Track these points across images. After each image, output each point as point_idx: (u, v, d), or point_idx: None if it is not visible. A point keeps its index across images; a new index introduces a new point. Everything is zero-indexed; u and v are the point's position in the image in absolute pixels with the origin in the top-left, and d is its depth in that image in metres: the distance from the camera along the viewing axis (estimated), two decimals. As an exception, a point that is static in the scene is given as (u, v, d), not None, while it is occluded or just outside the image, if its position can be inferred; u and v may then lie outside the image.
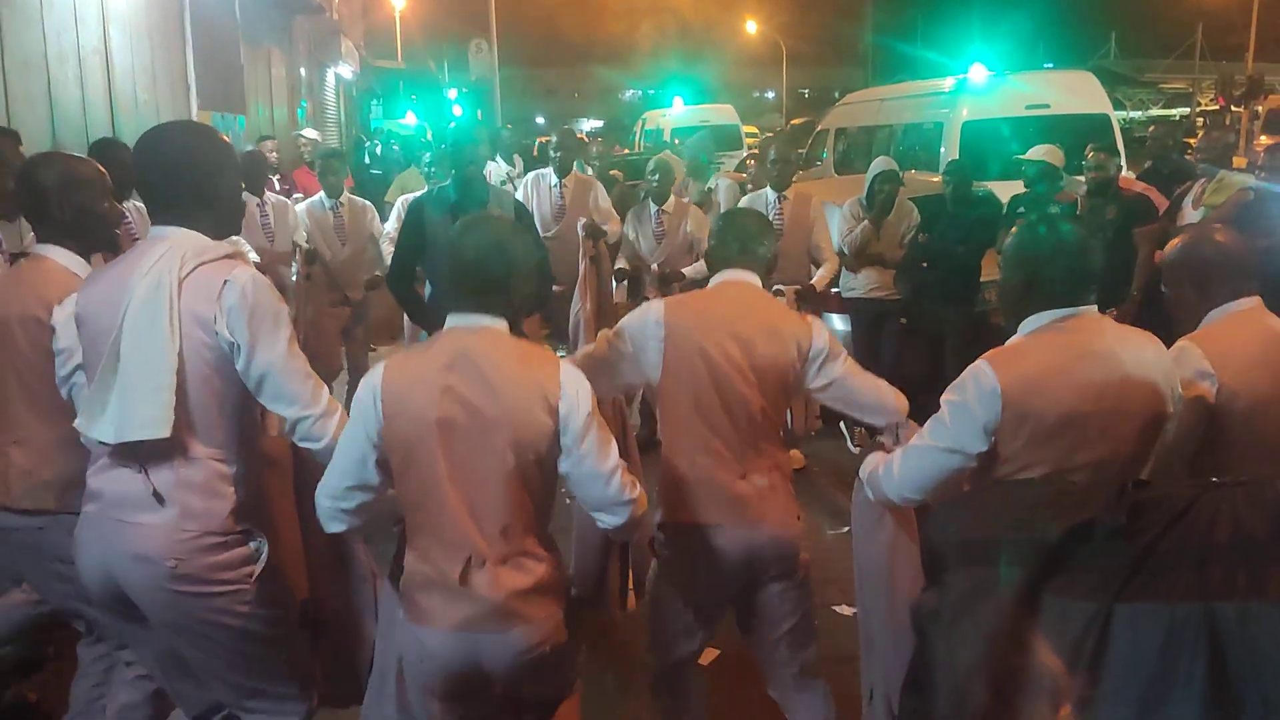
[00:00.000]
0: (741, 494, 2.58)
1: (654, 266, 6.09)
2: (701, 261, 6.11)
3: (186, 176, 2.24)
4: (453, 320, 2.23)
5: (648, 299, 6.10)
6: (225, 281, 2.17)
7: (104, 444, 2.20)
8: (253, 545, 2.27)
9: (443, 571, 2.15)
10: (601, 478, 2.20)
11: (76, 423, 2.27)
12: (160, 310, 2.13)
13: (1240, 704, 1.79)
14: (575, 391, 2.17)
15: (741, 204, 6.22)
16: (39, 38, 6.66)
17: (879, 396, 2.70)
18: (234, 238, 2.47)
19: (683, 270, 6.09)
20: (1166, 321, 2.71)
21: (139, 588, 2.20)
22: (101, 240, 2.75)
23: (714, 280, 2.77)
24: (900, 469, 2.35)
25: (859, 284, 6.13)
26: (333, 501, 2.22)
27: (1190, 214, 5.30)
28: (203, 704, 2.48)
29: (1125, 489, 2.00)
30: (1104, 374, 2.17)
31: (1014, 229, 5.98)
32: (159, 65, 9.33)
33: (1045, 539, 1.99)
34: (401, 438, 2.14)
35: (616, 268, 6.26)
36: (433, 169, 7.14)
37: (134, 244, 4.10)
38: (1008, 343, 2.31)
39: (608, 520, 2.27)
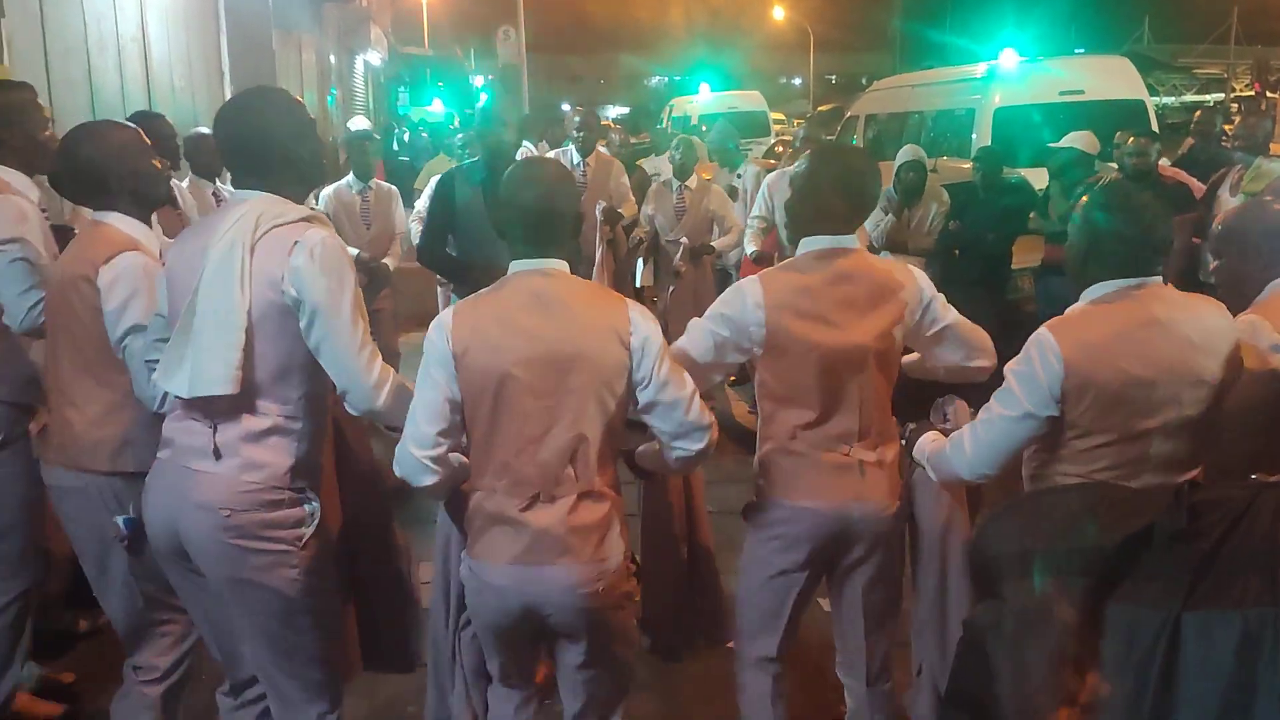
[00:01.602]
0: (843, 470, 2.47)
1: (683, 240, 6.10)
2: (729, 236, 6.14)
3: (264, 141, 2.30)
4: (518, 265, 2.27)
5: (677, 273, 6.14)
6: (296, 242, 2.22)
7: (179, 397, 2.27)
8: (307, 508, 2.32)
9: (507, 507, 2.20)
10: (681, 403, 2.26)
11: (154, 376, 2.35)
12: (233, 270, 2.20)
13: None
14: (646, 326, 2.24)
15: (767, 180, 6.21)
16: (80, 25, 6.76)
17: (980, 336, 2.58)
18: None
19: (711, 244, 6.11)
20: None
21: (195, 536, 2.26)
22: (159, 197, 2.80)
23: (803, 248, 2.53)
24: (972, 443, 2.33)
25: (888, 271, 6.11)
26: (423, 451, 2.22)
27: (1227, 201, 5.26)
28: (248, 672, 2.52)
29: (1182, 491, 1.99)
30: (1167, 341, 2.17)
31: (1047, 214, 5.88)
32: (194, 52, 9.44)
33: (1104, 545, 1.98)
34: (475, 379, 2.19)
35: (636, 240, 6.27)
36: (465, 149, 7.21)
37: (180, 219, 4.22)
38: (1069, 310, 2.31)
39: (687, 447, 2.31)
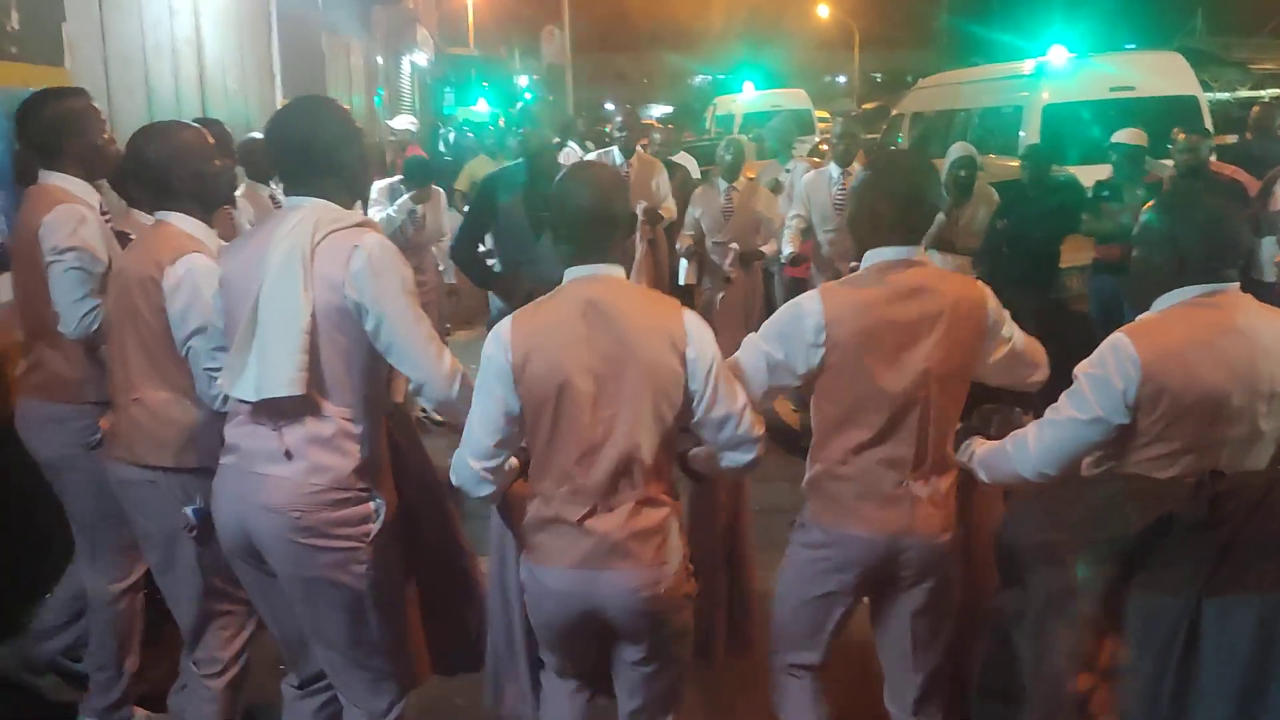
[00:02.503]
0: (893, 501, 2.39)
1: (733, 246, 6.08)
2: (775, 240, 6.12)
3: (313, 149, 2.37)
4: (573, 272, 2.28)
5: (728, 280, 6.14)
6: (355, 246, 2.28)
7: (245, 401, 2.33)
8: (373, 505, 2.37)
9: (566, 514, 2.22)
10: (734, 417, 2.26)
11: (219, 382, 2.41)
12: (295, 275, 2.26)
13: None
14: (700, 337, 2.24)
15: (804, 181, 6.20)
16: (137, 31, 6.91)
17: (1037, 350, 2.52)
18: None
19: (760, 249, 6.10)
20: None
21: (266, 538, 2.33)
22: (222, 197, 2.92)
23: (868, 260, 2.44)
24: (1037, 442, 2.29)
25: (934, 269, 6.06)
26: (480, 463, 2.28)
27: (1282, 198, 5.18)
28: (313, 668, 2.58)
29: (1203, 480, 1.99)
30: (1245, 350, 2.13)
31: (1099, 213, 5.80)
32: (247, 55, 9.61)
33: (1126, 535, 1.99)
34: (535, 389, 2.20)
35: (685, 247, 6.30)
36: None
37: (235, 225, 4.33)
38: (1141, 317, 2.26)
39: (738, 459, 2.33)
